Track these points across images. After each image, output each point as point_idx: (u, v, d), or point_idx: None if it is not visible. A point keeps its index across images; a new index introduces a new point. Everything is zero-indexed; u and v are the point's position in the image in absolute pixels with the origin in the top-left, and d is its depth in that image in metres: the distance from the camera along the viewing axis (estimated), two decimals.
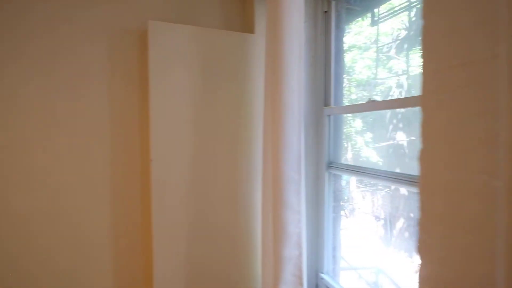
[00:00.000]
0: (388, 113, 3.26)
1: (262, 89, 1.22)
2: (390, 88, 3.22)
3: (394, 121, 3.10)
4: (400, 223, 3.35)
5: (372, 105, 1.07)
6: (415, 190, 1.02)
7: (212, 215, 1.27)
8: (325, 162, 1.25)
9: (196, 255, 1.25)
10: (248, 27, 1.35)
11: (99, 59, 1.30)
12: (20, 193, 1.25)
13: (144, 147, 1.38)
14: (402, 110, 3.24)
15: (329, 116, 1.25)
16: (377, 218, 3.36)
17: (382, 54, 2.88)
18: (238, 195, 1.29)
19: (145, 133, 1.37)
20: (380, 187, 3.28)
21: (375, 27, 2.40)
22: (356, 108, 1.25)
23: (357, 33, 2.63)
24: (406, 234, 3.24)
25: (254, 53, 1.28)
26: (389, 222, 3.37)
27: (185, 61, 1.21)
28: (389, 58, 2.98)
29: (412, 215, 3.12)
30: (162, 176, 1.20)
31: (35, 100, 1.27)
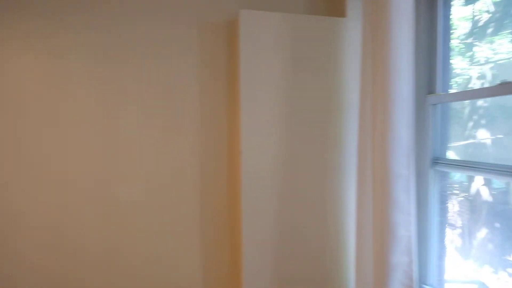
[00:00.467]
0: (466, 108, 2.95)
1: (355, 77, 1.13)
2: (469, 79, 2.91)
3: (475, 117, 2.79)
4: (482, 234, 3.00)
5: (506, 89, 0.92)
6: None
7: (300, 211, 1.21)
8: (430, 158, 1.12)
9: (283, 251, 1.20)
10: (337, 10, 1.27)
11: (189, 51, 1.32)
12: (119, 185, 1.30)
13: (231, 139, 1.38)
14: (485, 104, 2.90)
15: (434, 105, 1.12)
16: (453, 226, 3.05)
17: (460, 41, 2.61)
18: (328, 191, 1.21)
19: (232, 125, 1.36)
20: (456, 191, 2.96)
21: (470, 6, 2.16)
22: (478, 94, 1.09)
23: None
24: (490, 246, 2.89)
25: (346, 38, 1.20)
26: (468, 232, 3.04)
27: (275, 50, 1.17)
28: (470, 45, 2.69)
29: (498, 224, 2.79)
30: (251, 169, 1.17)
31: (129, 94, 1.31)
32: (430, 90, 1.14)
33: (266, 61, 1.17)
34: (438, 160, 1.11)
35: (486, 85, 2.75)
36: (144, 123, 1.33)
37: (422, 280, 1.17)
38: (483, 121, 2.90)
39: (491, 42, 2.71)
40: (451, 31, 1.11)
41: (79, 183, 1.28)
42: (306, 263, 1.24)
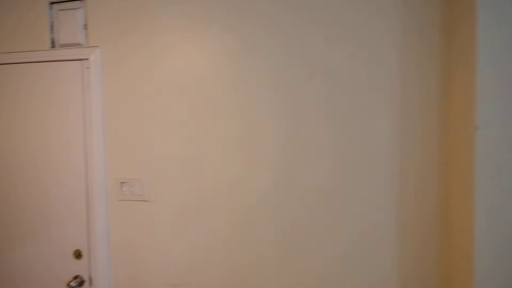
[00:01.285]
0: None
1: None
2: None
3: None
4: None
5: None
6: None
7: None
8: None
9: None
10: None
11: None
12: (304, 170, 1.23)
13: (449, 109, 1.08)
14: None
15: None
16: None
17: None
18: None
19: (451, 88, 1.05)
20: None
21: None
22: None
23: None
24: None
25: None
26: None
27: None
28: None
29: None
30: (493, 154, 0.80)
31: (316, 60, 1.16)
32: None
33: None
34: None
35: None
36: (330, 96, 1.14)
37: None
38: None
39: None
40: None
41: (263, 168, 1.23)
42: None
